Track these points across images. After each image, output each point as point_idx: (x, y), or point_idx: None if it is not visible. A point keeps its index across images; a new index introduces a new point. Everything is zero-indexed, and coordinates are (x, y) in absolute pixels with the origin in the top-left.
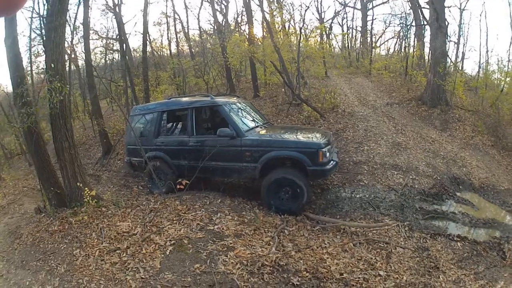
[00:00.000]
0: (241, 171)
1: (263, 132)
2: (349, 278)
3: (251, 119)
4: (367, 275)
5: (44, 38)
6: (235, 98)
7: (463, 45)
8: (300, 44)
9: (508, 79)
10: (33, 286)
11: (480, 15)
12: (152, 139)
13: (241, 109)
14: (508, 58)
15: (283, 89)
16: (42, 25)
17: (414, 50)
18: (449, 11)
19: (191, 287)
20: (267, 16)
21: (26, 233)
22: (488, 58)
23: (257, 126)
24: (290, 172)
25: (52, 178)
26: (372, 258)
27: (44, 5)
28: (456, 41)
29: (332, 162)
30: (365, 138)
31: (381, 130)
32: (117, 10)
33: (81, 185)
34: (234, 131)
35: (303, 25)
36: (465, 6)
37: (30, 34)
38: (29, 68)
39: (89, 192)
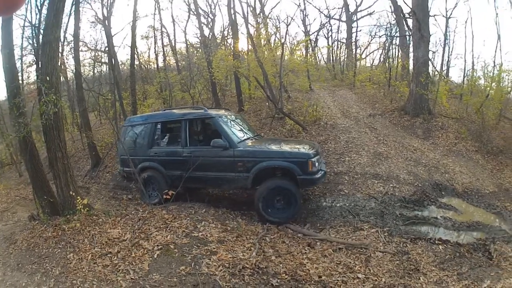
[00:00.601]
0: (233, 181)
1: (254, 143)
2: (327, 281)
3: (242, 131)
4: (346, 277)
5: (36, 49)
6: (223, 110)
7: (449, 53)
8: (284, 58)
9: (493, 84)
10: (29, 287)
11: (466, 22)
12: (146, 149)
13: (233, 121)
14: (494, 63)
15: (267, 103)
16: (34, 34)
17: (398, 60)
18: (435, 19)
19: (177, 286)
20: (252, 30)
21: (21, 239)
22: (474, 65)
23: (248, 138)
24: (285, 181)
25: (45, 187)
26: (351, 262)
27: (36, 14)
28: (441, 49)
29: (320, 171)
30: (346, 149)
31: (362, 141)
32: (107, 23)
33: (73, 194)
34: (227, 142)
35: (285, 40)
36: (451, 14)
37: (22, 43)
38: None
39: (81, 200)
